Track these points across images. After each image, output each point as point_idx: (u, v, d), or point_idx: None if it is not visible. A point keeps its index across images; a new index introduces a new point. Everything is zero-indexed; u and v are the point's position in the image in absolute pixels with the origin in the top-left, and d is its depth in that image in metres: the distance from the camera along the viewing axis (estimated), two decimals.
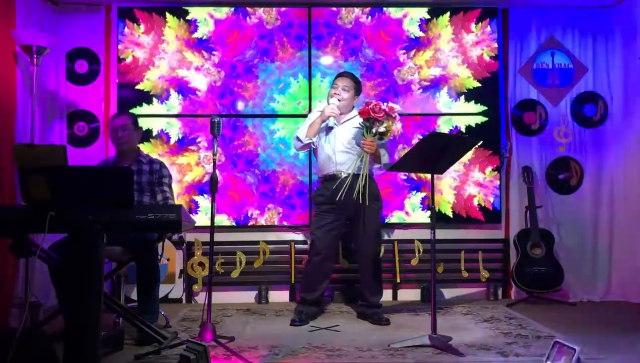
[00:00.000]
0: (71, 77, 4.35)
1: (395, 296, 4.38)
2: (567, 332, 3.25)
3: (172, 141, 4.34)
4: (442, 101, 4.45)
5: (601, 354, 2.80)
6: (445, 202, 4.43)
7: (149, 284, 3.24)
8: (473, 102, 4.45)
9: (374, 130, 3.33)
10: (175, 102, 4.37)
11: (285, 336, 3.23)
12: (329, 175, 3.55)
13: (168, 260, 4.14)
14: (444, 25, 4.46)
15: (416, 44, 4.45)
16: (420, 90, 4.45)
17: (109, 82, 4.37)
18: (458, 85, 4.45)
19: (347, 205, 3.43)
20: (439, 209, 4.40)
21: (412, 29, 4.45)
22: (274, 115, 4.40)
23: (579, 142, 4.51)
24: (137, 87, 4.34)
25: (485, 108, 4.44)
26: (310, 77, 4.40)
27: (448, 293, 4.44)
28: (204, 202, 4.33)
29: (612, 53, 4.51)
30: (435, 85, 4.45)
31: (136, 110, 4.29)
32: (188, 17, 4.37)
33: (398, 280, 4.34)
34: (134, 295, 3.67)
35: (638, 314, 3.96)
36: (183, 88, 4.37)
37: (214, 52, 4.38)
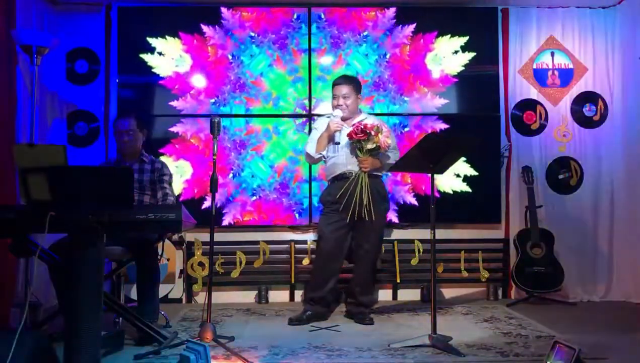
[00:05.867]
0: (71, 77, 4.35)
1: (395, 296, 4.38)
2: (567, 332, 3.25)
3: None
4: (431, 59, 4.45)
5: (601, 354, 2.80)
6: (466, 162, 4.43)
7: (149, 284, 3.24)
8: (460, 51, 4.45)
9: (364, 150, 3.45)
10: (186, 63, 4.36)
11: (285, 336, 3.23)
12: (339, 175, 3.56)
13: (168, 260, 4.14)
14: (464, 62, 4.45)
15: (429, 76, 4.46)
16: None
17: (109, 82, 4.37)
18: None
19: (355, 204, 3.44)
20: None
21: (433, 67, 4.44)
22: (275, 115, 4.39)
23: (579, 142, 4.51)
24: (149, 38, 4.36)
25: (474, 54, 4.44)
26: (310, 82, 4.38)
27: (448, 293, 4.44)
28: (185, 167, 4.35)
29: (612, 53, 4.51)
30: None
31: (145, 57, 4.32)
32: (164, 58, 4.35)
33: (398, 280, 4.34)
34: (134, 295, 3.67)
35: (638, 314, 3.96)
36: (195, 56, 4.36)
37: (198, 84, 4.36)
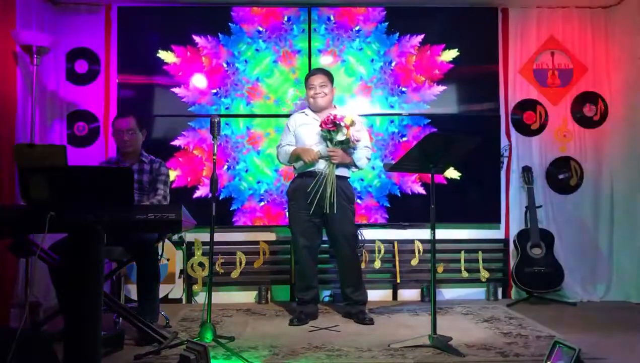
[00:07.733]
0: (71, 77, 4.35)
1: (395, 296, 4.38)
2: (567, 332, 3.25)
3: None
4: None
5: (601, 354, 2.80)
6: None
7: (149, 284, 3.24)
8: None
9: (334, 141, 3.45)
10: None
11: (285, 336, 3.23)
12: (309, 172, 3.56)
13: (168, 260, 4.14)
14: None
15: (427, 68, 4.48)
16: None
17: (109, 82, 4.37)
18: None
19: (323, 201, 3.45)
20: None
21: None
22: (275, 115, 4.39)
23: (579, 142, 4.51)
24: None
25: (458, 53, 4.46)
26: None
27: (448, 293, 4.44)
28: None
29: (612, 53, 4.51)
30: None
31: (163, 54, 4.35)
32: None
33: (398, 280, 4.35)
34: (134, 295, 3.67)
35: (638, 314, 3.96)
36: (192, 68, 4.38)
37: (190, 86, 4.37)
